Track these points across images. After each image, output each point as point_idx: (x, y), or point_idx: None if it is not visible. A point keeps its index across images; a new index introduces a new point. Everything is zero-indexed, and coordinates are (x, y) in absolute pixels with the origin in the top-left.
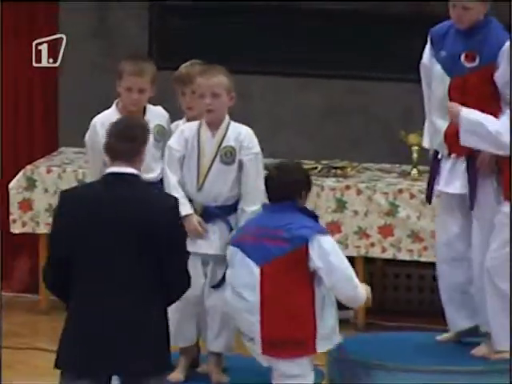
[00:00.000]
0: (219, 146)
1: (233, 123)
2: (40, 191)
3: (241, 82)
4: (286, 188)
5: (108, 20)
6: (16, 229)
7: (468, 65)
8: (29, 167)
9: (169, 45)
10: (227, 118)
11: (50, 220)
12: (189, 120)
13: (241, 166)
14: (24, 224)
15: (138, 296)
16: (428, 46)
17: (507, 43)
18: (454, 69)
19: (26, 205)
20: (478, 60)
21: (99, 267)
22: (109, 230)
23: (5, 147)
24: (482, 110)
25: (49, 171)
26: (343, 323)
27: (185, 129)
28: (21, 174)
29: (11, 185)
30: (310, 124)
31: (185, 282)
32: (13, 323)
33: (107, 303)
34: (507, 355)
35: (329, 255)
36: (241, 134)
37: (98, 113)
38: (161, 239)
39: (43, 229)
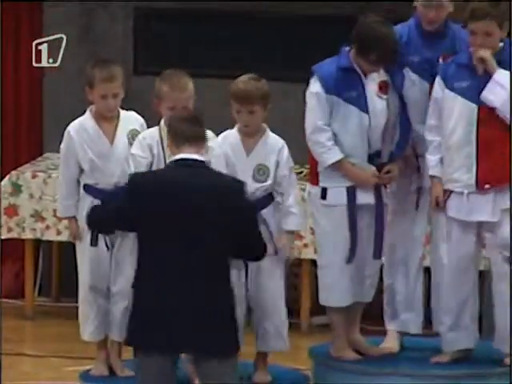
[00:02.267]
0: None
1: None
2: (25, 197)
3: (225, 87)
4: None
5: (93, 26)
6: (1, 234)
7: None
8: (14, 173)
9: (153, 50)
10: None
11: (36, 225)
12: (245, 135)
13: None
14: (9, 229)
15: (209, 277)
16: None
17: None
18: (432, 73)
19: (12, 210)
20: None
21: (172, 249)
22: (183, 214)
23: None
24: None
25: (34, 176)
26: (327, 328)
27: (145, 136)
28: (6, 179)
29: None
30: (294, 128)
31: (261, 250)
32: None
33: (178, 283)
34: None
35: None
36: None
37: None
38: (234, 220)
39: (29, 234)
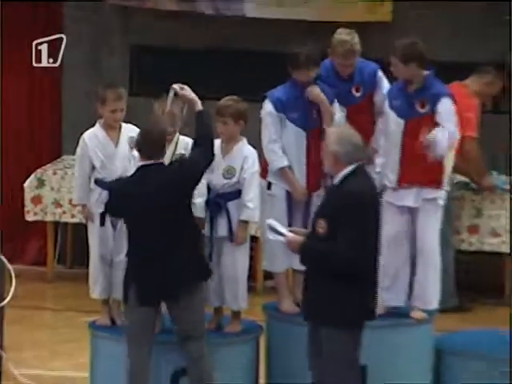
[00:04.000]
0: (173, 154)
1: (181, 137)
2: (48, 189)
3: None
4: None
5: (98, 57)
6: (29, 217)
7: (357, 95)
8: (39, 170)
9: (144, 77)
10: (177, 133)
11: (56, 211)
12: (224, 142)
13: None
14: (35, 214)
15: (174, 239)
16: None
17: (379, 71)
18: (348, 101)
19: (37, 199)
20: (362, 90)
21: (146, 226)
22: (150, 202)
23: (21, 154)
24: (369, 123)
25: (54, 173)
26: (274, 290)
27: None
28: (33, 175)
29: (26, 184)
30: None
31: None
32: (24, 289)
33: (151, 252)
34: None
35: None
36: (188, 145)
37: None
38: (188, 186)
39: (50, 217)
